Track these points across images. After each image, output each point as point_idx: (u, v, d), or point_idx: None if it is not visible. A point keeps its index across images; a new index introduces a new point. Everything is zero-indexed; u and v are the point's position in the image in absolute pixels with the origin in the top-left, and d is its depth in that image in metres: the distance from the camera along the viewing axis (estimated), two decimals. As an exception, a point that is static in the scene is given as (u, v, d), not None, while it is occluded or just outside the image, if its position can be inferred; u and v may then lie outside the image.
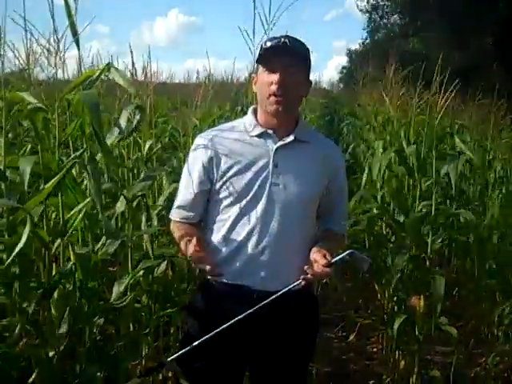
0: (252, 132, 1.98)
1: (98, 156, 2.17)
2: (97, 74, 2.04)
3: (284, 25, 2.71)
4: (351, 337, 4.20)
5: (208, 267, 1.83)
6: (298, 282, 1.84)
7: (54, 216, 2.14)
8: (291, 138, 1.97)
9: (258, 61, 1.95)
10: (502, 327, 3.81)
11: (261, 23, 2.62)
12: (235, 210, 1.94)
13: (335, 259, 1.81)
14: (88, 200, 1.97)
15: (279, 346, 2.00)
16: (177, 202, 2.06)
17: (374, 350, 4.09)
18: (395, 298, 3.61)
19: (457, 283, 4.38)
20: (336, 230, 2.13)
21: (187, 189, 2.02)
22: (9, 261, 1.80)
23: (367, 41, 25.67)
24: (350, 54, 26.99)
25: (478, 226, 3.65)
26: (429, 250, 3.34)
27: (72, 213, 1.96)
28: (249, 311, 1.80)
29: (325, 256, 1.82)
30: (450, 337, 3.20)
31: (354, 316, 4.21)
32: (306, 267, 1.84)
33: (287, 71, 1.87)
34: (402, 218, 3.48)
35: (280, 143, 1.96)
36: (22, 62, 2.12)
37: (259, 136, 1.98)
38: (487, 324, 4.04)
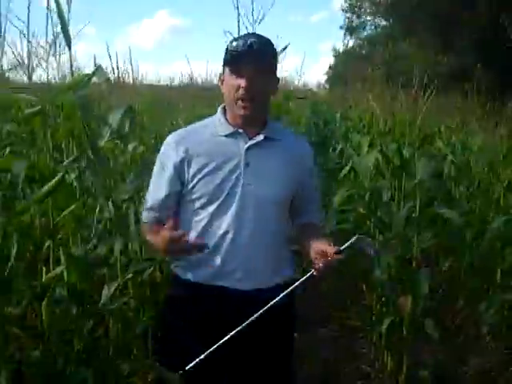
0: (222, 131, 1.97)
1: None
2: (87, 77, 2.04)
3: (269, 27, 2.73)
4: (339, 336, 4.21)
5: (189, 243, 1.82)
6: (310, 274, 1.85)
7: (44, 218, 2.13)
8: (261, 136, 1.97)
9: (225, 63, 1.93)
10: (487, 326, 3.85)
11: (246, 25, 2.63)
12: (209, 211, 1.93)
13: (345, 246, 1.82)
14: (78, 203, 1.97)
15: (259, 347, 2.00)
16: (148, 204, 2.03)
17: (363, 350, 4.10)
18: (383, 299, 3.63)
19: (443, 282, 4.42)
20: (314, 222, 2.15)
21: (158, 190, 2.00)
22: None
23: (349, 41, 25.89)
24: (336, 54, 27.09)
25: (463, 226, 3.69)
26: (414, 250, 3.37)
27: (63, 214, 1.95)
28: (252, 317, 1.84)
29: (330, 245, 1.83)
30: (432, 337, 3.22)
31: (342, 316, 4.23)
32: (314, 257, 1.85)
33: (254, 76, 1.87)
34: (387, 219, 3.51)
35: (251, 142, 1.96)
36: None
37: (230, 135, 1.96)
38: (473, 322, 4.07)
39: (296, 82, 5.71)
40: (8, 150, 2.73)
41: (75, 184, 2.15)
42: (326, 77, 25.72)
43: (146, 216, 2.05)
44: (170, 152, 1.97)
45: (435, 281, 3.92)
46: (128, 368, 2.55)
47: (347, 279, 4.44)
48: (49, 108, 2.02)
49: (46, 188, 1.89)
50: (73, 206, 1.95)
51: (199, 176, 1.91)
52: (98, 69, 2.08)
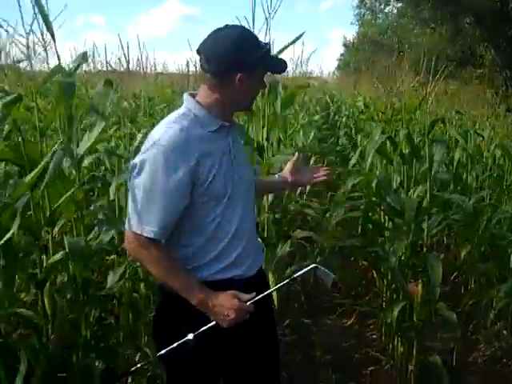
0: (210, 127, 1.89)
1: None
2: (72, 67, 2.05)
3: (279, 16, 2.72)
4: (350, 323, 4.21)
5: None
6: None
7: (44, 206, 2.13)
8: (234, 126, 2.00)
9: (260, 62, 1.85)
10: (495, 311, 3.83)
11: (262, 11, 2.62)
12: (218, 210, 1.89)
13: (298, 274, 1.87)
14: (75, 188, 1.95)
15: (248, 339, 1.99)
16: (159, 220, 1.80)
17: (373, 336, 4.09)
18: (393, 285, 3.62)
19: (455, 268, 4.40)
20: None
21: (171, 204, 1.81)
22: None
23: (358, 27, 25.81)
24: (345, 43, 26.95)
25: (474, 212, 3.66)
26: (425, 237, 3.35)
27: (59, 202, 1.94)
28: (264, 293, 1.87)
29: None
30: (448, 322, 3.20)
31: (353, 303, 4.22)
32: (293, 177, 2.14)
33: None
34: (398, 205, 3.48)
35: (232, 134, 1.96)
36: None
37: (218, 130, 1.91)
38: (484, 309, 4.05)
39: (305, 70, 5.66)
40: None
41: (73, 171, 2.13)
42: (337, 63, 25.64)
43: (152, 231, 1.81)
44: (180, 157, 1.78)
45: (446, 267, 3.91)
46: (137, 355, 2.57)
47: (358, 266, 4.43)
48: (35, 95, 2.00)
49: (35, 171, 1.87)
50: (69, 192, 1.93)
51: (209, 178, 1.84)
52: (84, 55, 2.08)
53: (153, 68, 5.77)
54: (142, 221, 1.80)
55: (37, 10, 1.97)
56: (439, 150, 3.37)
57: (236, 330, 1.87)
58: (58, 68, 2.04)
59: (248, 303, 1.80)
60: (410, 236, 3.30)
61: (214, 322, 1.81)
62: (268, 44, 1.91)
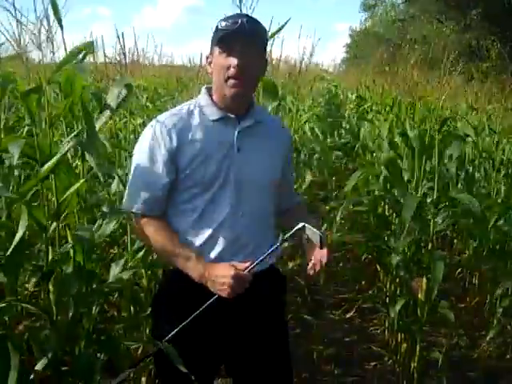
0: (212, 116, 1.91)
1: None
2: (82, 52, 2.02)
3: (284, 9, 2.68)
4: (352, 318, 4.21)
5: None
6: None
7: (50, 198, 2.12)
8: (252, 120, 1.94)
9: (215, 42, 1.87)
10: (501, 309, 3.81)
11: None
12: (204, 198, 1.88)
13: (287, 235, 1.83)
14: (82, 181, 1.94)
15: (253, 330, 1.97)
16: (142, 194, 1.88)
17: (376, 331, 4.09)
18: (397, 280, 3.60)
19: (459, 265, 4.38)
20: (298, 202, 2.24)
21: (153, 179, 1.88)
22: (10, 249, 1.78)
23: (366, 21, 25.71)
24: (352, 35, 26.82)
25: (482, 209, 3.62)
26: (431, 233, 3.32)
27: (66, 195, 1.93)
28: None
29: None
30: (446, 320, 3.19)
31: (356, 298, 4.21)
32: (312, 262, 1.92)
33: (245, 55, 1.82)
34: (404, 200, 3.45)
35: (241, 127, 1.92)
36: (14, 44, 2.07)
37: (220, 120, 1.91)
38: (488, 305, 4.03)
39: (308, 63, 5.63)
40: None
41: (79, 163, 2.12)
42: (343, 55, 25.54)
43: (138, 207, 1.89)
44: (162, 138, 1.86)
45: (451, 263, 3.89)
46: (139, 348, 2.56)
47: (362, 261, 4.42)
48: (45, 85, 1.99)
49: (48, 165, 1.86)
50: (76, 186, 1.92)
51: (193, 164, 1.85)
52: (90, 44, 2.05)
53: (158, 60, 5.74)
54: (131, 198, 1.92)
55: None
56: (456, 147, 3.37)
57: (237, 313, 1.89)
58: (71, 56, 2.00)
59: (245, 271, 1.77)
60: (415, 232, 3.27)
61: (215, 297, 1.79)
62: (229, 20, 1.83)
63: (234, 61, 1.81)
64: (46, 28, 1.97)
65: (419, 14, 20.14)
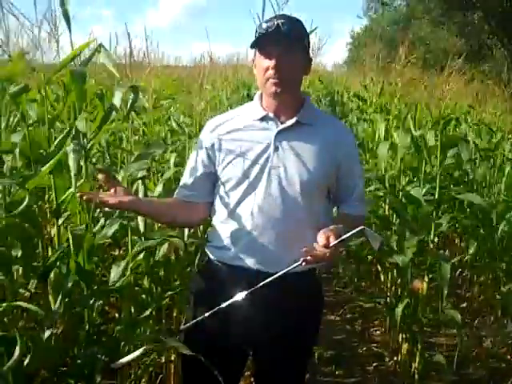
0: (255, 116, 1.98)
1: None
2: (88, 54, 2.02)
3: (290, 6, 2.67)
4: (352, 317, 4.20)
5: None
6: (297, 264, 1.79)
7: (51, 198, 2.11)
8: (293, 120, 1.94)
9: (253, 46, 1.93)
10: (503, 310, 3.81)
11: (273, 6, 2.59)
12: (236, 193, 1.94)
13: (346, 236, 1.77)
14: (82, 181, 1.94)
15: (281, 330, 1.97)
16: (181, 181, 2.10)
17: (378, 332, 4.08)
18: (398, 281, 3.60)
19: (460, 264, 4.37)
20: (353, 213, 2.07)
21: (190, 169, 2.06)
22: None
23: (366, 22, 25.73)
24: (353, 35, 26.82)
25: (483, 209, 3.62)
26: (432, 233, 3.32)
27: (66, 194, 1.93)
28: (245, 292, 1.81)
29: (328, 238, 1.77)
30: (452, 321, 3.18)
31: (358, 299, 4.20)
32: (304, 248, 1.78)
33: (282, 56, 1.85)
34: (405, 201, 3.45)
35: (282, 126, 1.94)
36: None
37: (261, 119, 1.97)
38: (490, 305, 4.03)
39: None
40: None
41: (82, 163, 2.11)
42: (345, 55, 25.54)
43: (177, 192, 2.11)
44: (204, 136, 2.04)
45: (453, 263, 3.88)
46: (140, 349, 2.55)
47: (363, 261, 4.41)
48: (44, 84, 1.99)
49: (49, 164, 1.86)
50: (78, 185, 1.92)
51: (228, 160, 1.95)
52: (102, 48, 2.03)
53: (160, 60, 5.73)
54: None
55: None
56: (465, 149, 3.38)
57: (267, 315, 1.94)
58: (72, 56, 2.00)
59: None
60: (419, 232, 3.27)
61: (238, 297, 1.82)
62: (267, 22, 1.88)
63: (270, 62, 1.86)
64: (51, 28, 1.98)
65: (421, 16, 20.17)
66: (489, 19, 17.35)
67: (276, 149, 1.92)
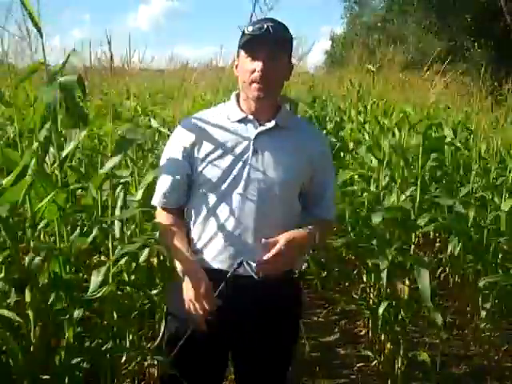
0: (233, 117, 1.97)
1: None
2: (59, 66, 2.02)
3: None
4: (337, 319, 4.21)
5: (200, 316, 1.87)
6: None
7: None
8: (272, 123, 1.96)
9: (241, 47, 1.93)
10: (486, 306, 3.84)
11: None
12: (214, 195, 1.93)
13: (230, 272, 1.85)
14: (56, 191, 1.92)
15: (260, 333, 1.98)
16: (159, 188, 2.03)
17: (361, 333, 4.09)
18: (380, 282, 3.60)
19: (440, 264, 4.40)
20: (324, 217, 2.10)
21: (168, 173, 2.01)
22: None
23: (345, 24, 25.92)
24: (332, 38, 26.89)
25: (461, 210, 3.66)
26: (413, 235, 3.34)
27: (41, 204, 1.91)
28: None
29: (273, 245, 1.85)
30: (434, 323, 3.19)
31: (341, 300, 4.21)
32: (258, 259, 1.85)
33: (270, 59, 1.87)
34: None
35: (260, 129, 1.95)
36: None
37: (240, 121, 1.97)
38: (472, 303, 4.06)
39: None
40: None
41: (56, 172, 2.09)
42: (324, 58, 25.59)
43: (156, 200, 2.03)
44: (180, 137, 2.00)
45: (434, 264, 3.91)
46: (123, 356, 2.53)
47: (346, 262, 4.42)
48: (10, 94, 1.98)
49: (15, 172, 1.85)
50: (52, 194, 1.90)
51: (207, 161, 1.93)
52: (74, 52, 2.03)
53: (141, 64, 5.66)
54: (155, 192, 2.05)
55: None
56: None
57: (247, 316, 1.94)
58: (39, 64, 1.98)
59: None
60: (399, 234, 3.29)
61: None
62: (256, 25, 1.88)
63: (257, 65, 1.86)
64: (26, 34, 1.97)
65: (400, 17, 20.34)
66: (466, 20, 17.56)
67: (255, 151, 1.93)
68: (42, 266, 1.91)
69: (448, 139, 4.43)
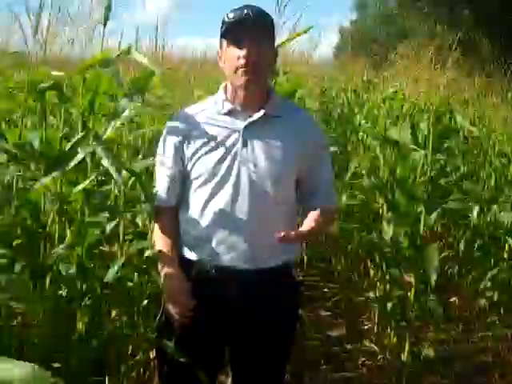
0: (222, 110, 1.94)
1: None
2: (116, 54, 2.00)
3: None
4: (343, 313, 4.20)
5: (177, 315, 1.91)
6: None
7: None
8: (261, 113, 1.92)
9: (223, 36, 1.90)
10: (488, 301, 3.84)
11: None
12: (206, 190, 1.90)
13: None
14: (92, 178, 1.92)
15: (259, 331, 1.96)
16: (157, 185, 2.02)
17: (367, 327, 4.08)
18: (387, 277, 3.59)
19: (448, 258, 4.39)
20: (325, 203, 2.03)
21: (162, 171, 2.00)
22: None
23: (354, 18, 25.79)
24: (341, 31, 26.68)
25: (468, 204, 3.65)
26: (421, 227, 3.32)
27: (74, 191, 1.91)
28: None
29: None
30: (436, 316, 3.19)
31: (347, 293, 4.20)
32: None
33: (254, 44, 1.83)
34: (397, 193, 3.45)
35: (249, 120, 1.91)
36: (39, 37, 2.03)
37: (228, 114, 1.93)
38: (477, 298, 4.05)
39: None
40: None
41: (87, 160, 2.07)
42: (333, 51, 25.47)
43: (157, 198, 2.02)
44: (170, 132, 1.99)
45: (442, 258, 3.89)
46: (131, 344, 2.53)
47: (352, 256, 4.40)
48: (67, 82, 1.98)
49: (71, 164, 1.84)
50: (86, 182, 1.90)
51: (197, 155, 1.91)
52: (131, 49, 2.03)
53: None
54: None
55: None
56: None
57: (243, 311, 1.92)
58: (106, 53, 1.98)
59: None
60: (408, 226, 3.27)
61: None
62: (236, 11, 1.85)
63: (241, 51, 1.83)
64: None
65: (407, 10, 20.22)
66: (477, 15, 17.44)
67: (245, 143, 1.89)
68: (66, 254, 1.91)
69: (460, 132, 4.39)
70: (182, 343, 1.90)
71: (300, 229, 1.83)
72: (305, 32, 2.86)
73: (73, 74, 2.02)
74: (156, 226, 2.04)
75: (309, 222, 1.88)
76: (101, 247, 2.33)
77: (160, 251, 1.98)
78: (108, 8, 2.01)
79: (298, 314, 2.17)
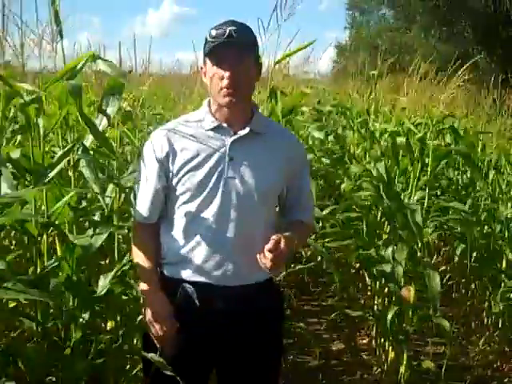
0: (207, 125, 1.92)
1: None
2: (80, 64, 1.99)
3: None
4: (339, 325, 4.18)
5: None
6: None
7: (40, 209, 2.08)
8: (246, 130, 1.91)
9: (206, 54, 1.87)
10: (492, 316, 3.83)
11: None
12: (192, 206, 1.88)
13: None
14: (73, 193, 1.91)
15: (246, 344, 1.95)
16: (139, 203, 1.99)
17: (364, 341, 4.07)
18: (385, 290, 3.59)
19: (447, 271, 4.39)
20: (304, 220, 2.08)
21: (145, 186, 1.96)
22: None
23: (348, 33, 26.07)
24: (339, 46, 26.83)
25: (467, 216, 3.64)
26: (419, 242, 3.31)
27: (57, 205, 1.90)
28: None
29: (278, 242, 1.77)
30: (442, 330, 3.17)
31: (345, 307, 4.18)
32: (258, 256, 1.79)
33: (236, 64, 1.81)
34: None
35: (235, 137, 1.90)
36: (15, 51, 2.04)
37: (214, 130, 1.91)
38: (477, 313, 4.04)
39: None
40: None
41: (70, 173, 2.08)
42: (331, 66, 25.57)
43: (137, 216, 2.00)
44: (154, 147, 1.93)
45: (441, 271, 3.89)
46: (127, 360, 2.51)
47: (350, 269, 4.39)
48: (42, 95, 1.98)
49: (51, 174, 1.84)
50: (69, 196, 1.90)
51: (183, 171, 1.88)
52: (93, 55, 2.04)
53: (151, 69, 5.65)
54: (136, 206, 2.01)
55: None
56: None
57: (231, 324, 1.90)
58: (73, 63, 1.99)
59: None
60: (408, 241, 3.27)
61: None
62: (217, 30, 1.81)
63: (225, 73, 1.81)
64: (49, 37, 1.98)
65: (406, 25, 20.39)
66: (473, 29, 17.58)
67: (231, 159, 1.88)
68: (57, 268, 1.90)
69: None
70: (167, 361, 1.84)
71: (282, 244, 1.79)
72: (306, 47, 2.88)
73: (41, 87, 2.02)
74: (136, 243, 2.00)
75: (289, 237, 1.85)
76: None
77: (141, 269, 1.95)
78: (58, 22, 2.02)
79: (283, 325, 2.15)
